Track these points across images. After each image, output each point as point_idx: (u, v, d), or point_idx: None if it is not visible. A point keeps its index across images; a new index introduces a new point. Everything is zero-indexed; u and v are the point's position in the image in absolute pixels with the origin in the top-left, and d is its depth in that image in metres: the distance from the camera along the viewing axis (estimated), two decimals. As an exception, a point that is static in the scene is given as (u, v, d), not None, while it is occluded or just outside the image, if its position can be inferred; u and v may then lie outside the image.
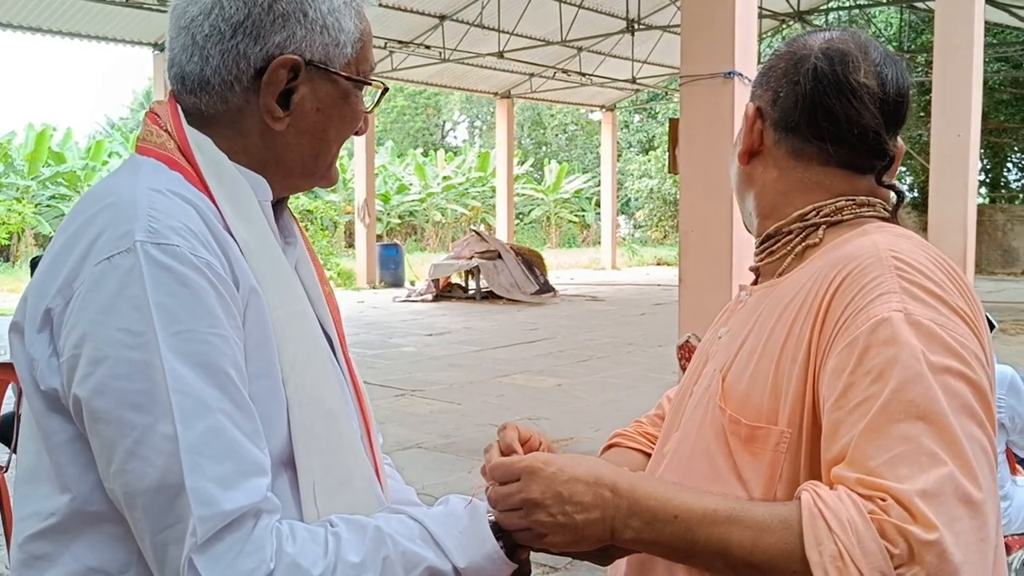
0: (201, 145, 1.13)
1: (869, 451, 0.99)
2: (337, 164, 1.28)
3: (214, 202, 1.10)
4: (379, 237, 23.43)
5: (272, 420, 1.06)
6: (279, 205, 1.23)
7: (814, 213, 1.26)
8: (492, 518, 1.12)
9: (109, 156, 26.46)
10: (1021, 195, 28.09)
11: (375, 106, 1.27)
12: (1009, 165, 28.92)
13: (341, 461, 1.14)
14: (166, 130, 1.14)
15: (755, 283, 1.36)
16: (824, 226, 1.25)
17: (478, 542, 1.09)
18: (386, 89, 1.25)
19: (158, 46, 16.70)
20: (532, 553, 1.16)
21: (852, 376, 1.03)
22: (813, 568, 0.95)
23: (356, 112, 1.21)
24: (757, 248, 1.34)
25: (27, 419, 1.09)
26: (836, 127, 1.23)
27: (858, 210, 1.25)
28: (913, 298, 1.05)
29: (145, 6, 15.09)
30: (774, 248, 1.29)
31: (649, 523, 1.03)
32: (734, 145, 1.35)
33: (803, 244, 1.26)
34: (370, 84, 1.20)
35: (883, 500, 0.95)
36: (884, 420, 0.99)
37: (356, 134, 1.25)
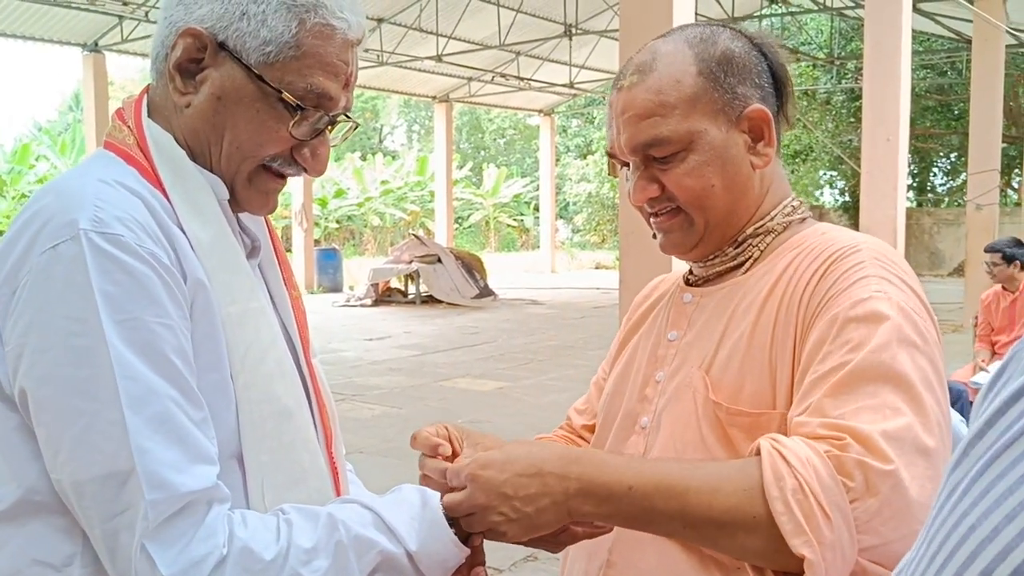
0: (159, 141, 1.12)
1: (835, 403, 1.02)
2: (276, 196, 1.20)
3: (167, 198, 1.09)
4: (317, 242, 23.18)
5: (219, 414, 1.06)
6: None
7: (791, 208, 1.28)
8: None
9: (36, 160, 25.71)
10: (947, 199, 28.92)
11: (316, 136, 1.15)
12: (935, 170, 29.76)
13: (295, 459, 1.13)
14: (128, 125, 1.15)
15: (694, 284, 1.33)
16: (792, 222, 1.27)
17: (430, 526, 1.09)
18: (332, 122, 1.16)
19: (88, 46, 16.32)
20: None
21: (830, 346, 1.06)
22: (773, 504, 0.95)
23: (268, 124, 1.12)
24: (729, 250, 1.27)
25: None
26: (790, 107, 1.28)
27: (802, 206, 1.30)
28: (890, 283, 1.11)
29: (74, 5, 14.73)
30: (752, 245, 1.26)
31: (605, 499, 1.04)
32: (724, 160, 1.22)
33: (772, 238, 1.26)
34: (281, 95, 1.10)
35: (841, 440, 0.98)
36: (853, 379, 1.03)
37: (308, 173, 1.19)
